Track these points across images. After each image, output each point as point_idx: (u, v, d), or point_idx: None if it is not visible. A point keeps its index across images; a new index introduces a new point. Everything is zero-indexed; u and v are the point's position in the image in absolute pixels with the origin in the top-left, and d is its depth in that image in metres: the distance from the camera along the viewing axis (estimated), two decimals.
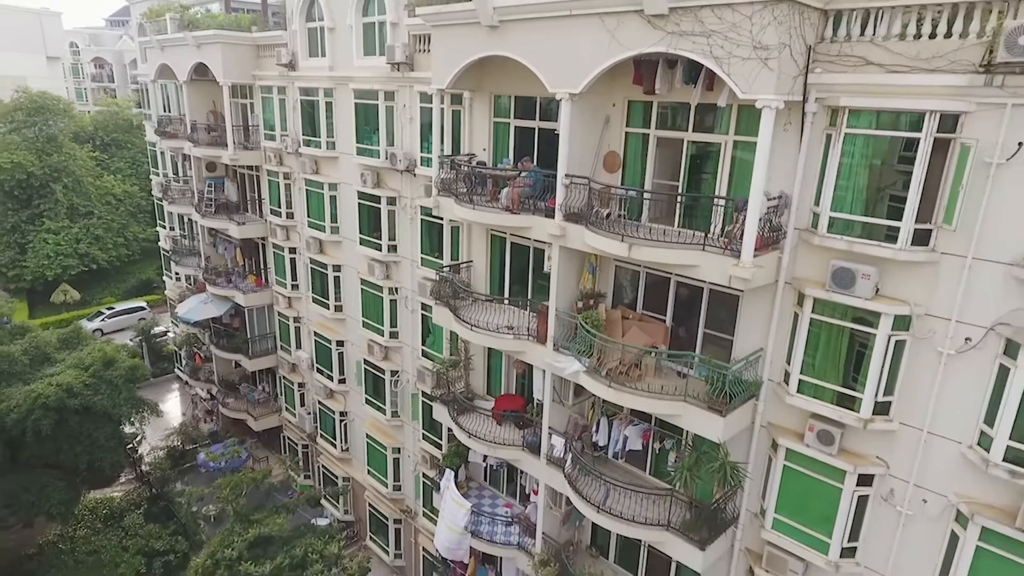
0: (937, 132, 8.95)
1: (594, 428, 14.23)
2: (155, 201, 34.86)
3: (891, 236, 9.48)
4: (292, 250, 23.94)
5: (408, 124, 17.79)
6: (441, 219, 16.85)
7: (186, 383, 32.97)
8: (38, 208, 42.74)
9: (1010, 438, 8.99)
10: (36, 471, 20.70)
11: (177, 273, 32.22)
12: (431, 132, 16.24)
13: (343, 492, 23.54)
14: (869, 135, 9.53)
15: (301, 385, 25.64)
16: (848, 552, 11.11)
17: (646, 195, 12.55)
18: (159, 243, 36.38)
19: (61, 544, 22.43)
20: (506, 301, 15.68)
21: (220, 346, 27.13)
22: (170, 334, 36.64)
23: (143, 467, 26.94)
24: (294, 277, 24.33)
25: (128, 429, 23.96)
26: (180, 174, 29.88)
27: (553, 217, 12.72)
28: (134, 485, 26.75)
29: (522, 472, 16.46)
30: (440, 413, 16.87)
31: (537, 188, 13.44)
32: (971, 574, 9.67)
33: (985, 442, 9.31)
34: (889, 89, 9.30)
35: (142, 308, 43.08)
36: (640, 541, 14.04)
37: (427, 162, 17.25)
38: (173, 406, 33.77)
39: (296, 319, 24.83)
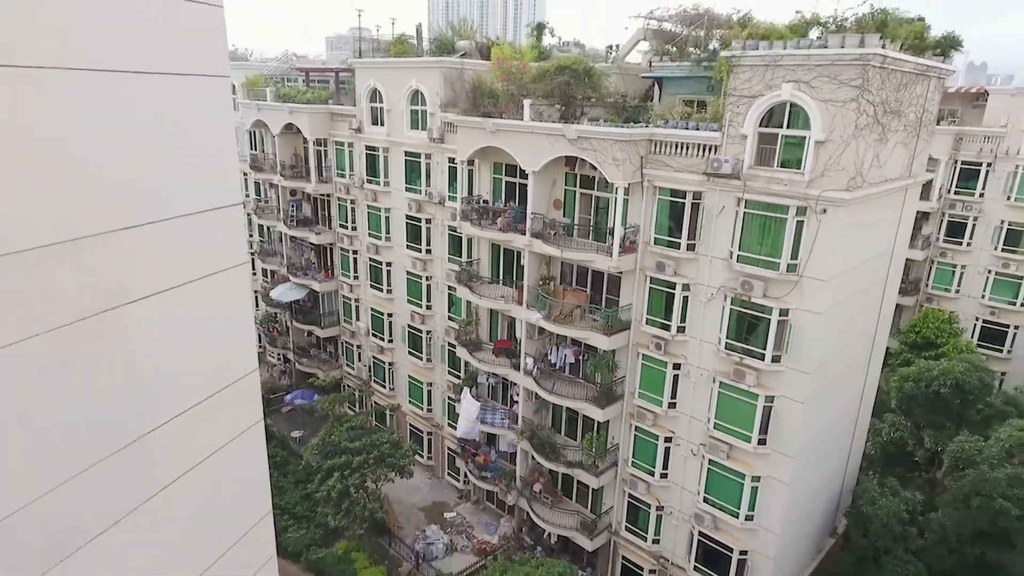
0: (693, 199, 19.80)
1: (549, 352, 25.10)
2: (246, 215, 45.74)
3: (677, 246, 20.34)
4: (354, 252, 34.79)
5: (440, 174, 28.64)
6: (460, 234, 27.62)
7: (263, 350, 43.79)
8: None
9: (727, 338, 19.82)
10: None
11: (264, 268, 42.87)
12: (455, 180, 27.11)
13: (393, 411, 34.32)
14: (667, 199, 20.40)
15: (359, 347, 36.50)
16: (671, 405, 21.95)
17: (573, 224, 23.44)
18: None
19: None
20: (500, 282, 26.53)
21: (299, 320, 38.05)
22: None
23: None
24: (355, 271, 35.18)
25: None
26: (263, 196, 40.74)
27: (525, 234, 23.56)
28: None
29: (509, 386, 27.26)
30: (462, 352, 27.74)
31: (516, 218, 24.30)
32: (719, 403, 20.51)
33: (719, 341, 20.15)
34: (675, 178, 20.14)
35: None
36: (576, 414, 24.86)
37: (452, 198, 28.04)
38: None
39: (356, 300, 35.69)
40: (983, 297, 35.26)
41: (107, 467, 5.84)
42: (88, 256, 4.16)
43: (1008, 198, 33.84)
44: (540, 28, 30.96)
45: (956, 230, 35.99)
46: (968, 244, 35.59)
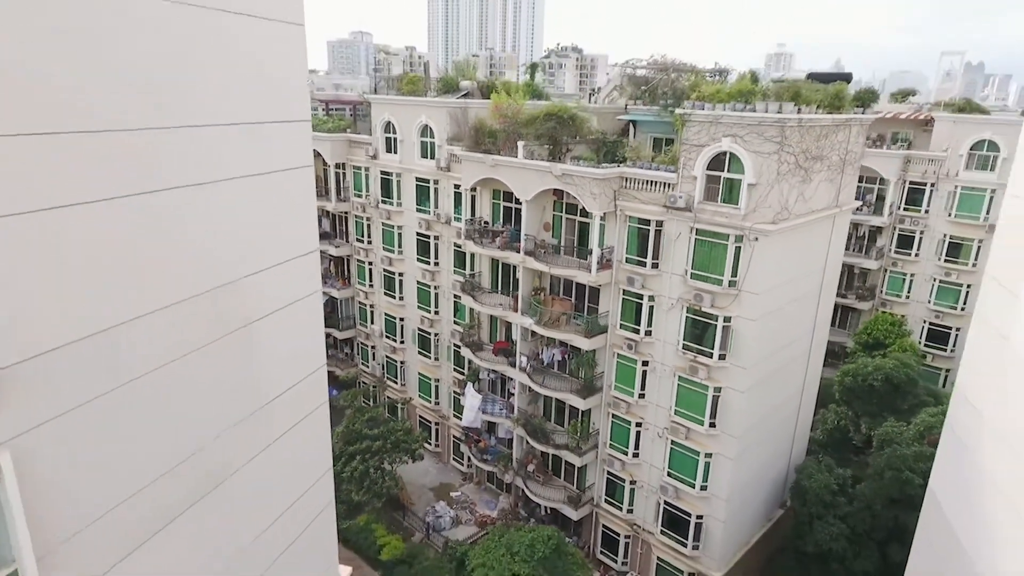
0: (656, 226, 24.21)
1: (540, 352, 29.50)
2: None
3: (644, 264, 24.75)
4: (370, 263, 39.20)
5: (446, 198, 33.02)
6: (464, 250, 31.97)
7: None
8: None
9: (683, 340, 24.22)
10: None
11: None
12: (460, 203, 31.49)
13: (404, 404, 38.74)
14: (636, 225, 24.81)
15: (373, 347, 40.90)
16: (641, 395, 26.36)
17: (560, 244, 27.86)
18: None
19: None
20: (498, 291, 30.92)
21: None
22: None
23: None
24: (370, 280, 39.59)
25: None
26: None
27: (519, 252, 27.96)
28: None
29: (506, 381, 31.63)
30: (465, 352, 32.13)
31: (512, 238, 28.70)
32: (678, 394, 24.91)
33: (678, 342, 24.54)
34: (641, 209, 24.53)
35: None
36: (563, 404, 29.23)
37: (457, 219, 32.39)
38: None
39: (371, 306, 40.09)
40: (929, 302, 39.63)
41: (244, 426, 10.91)
42: (226, 296, 9.01)
43: (949, 214, 38.20)
44: (534, 68, 35.41)
45: (905, 242, 40.35)
46: (916, 255, 39.96)
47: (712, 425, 24.18)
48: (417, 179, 34.25)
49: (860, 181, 40.10)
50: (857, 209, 39.89)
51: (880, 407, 29.94)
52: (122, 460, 7.60)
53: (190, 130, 7.34)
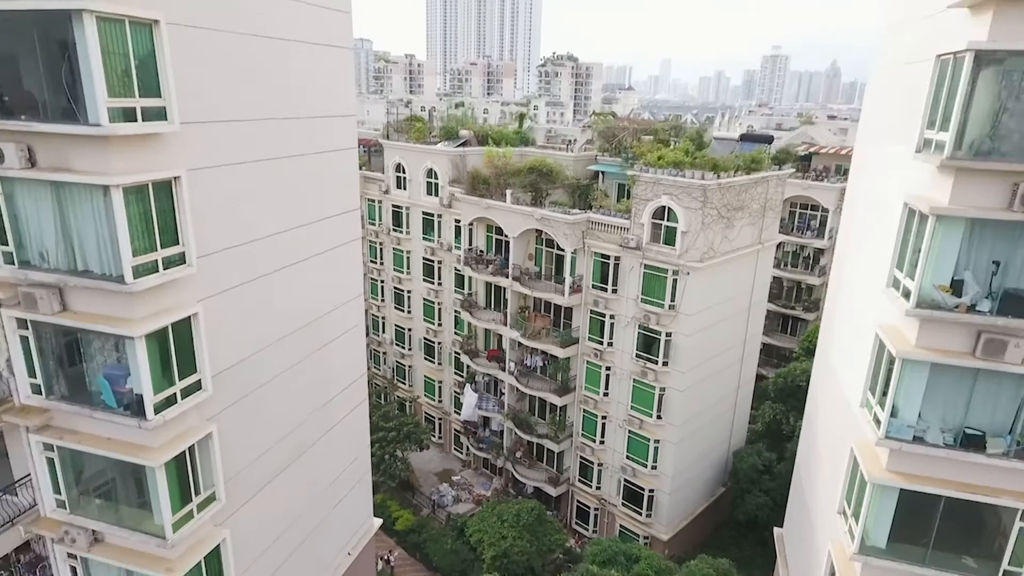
0: (614, 260, 30.65)
1: (526, 359, 35.94)
2: None
3: (605, 289, 31.18)
4: (382, 281, 45.59)
5: (448, 229, 39.43)
6: (463, 273, 38.35)
7: None
8: None
9: (636, 350, 30.64)
10: None
11: None
12: (459, 235, 37.90)
13: (411, 402, 45.16)
14: (599, 259, 31.25)
15: (384, 353, 47.30)
16: (605, 394, 32.80)
17: (541, 271, 34.32)
18: None
19: None
20: (491, 308, 37.35)
21: None
22: None
23: None
24: (382, 295, 45.98)
25: None
26: None
27: (508, 278, 34.38)
28: None
29: (498, 382, 38.04)
30: (464, 358, 38.54)
31: (502, 265, 35.13)
32: (633, 393, 31.33)
33: (632, 352, 30.97)
34: (604, 246, 30.93)
35: None
36: (544, 401, 35.62)
37: (457, 247, 38.79)
38: None
39: (383, 318, 46.48)
40: None
41: (317, 414, 18.57)
42: (317, 327, 16.16)
43: None
44: (522, 117, 41.85)
45: None
46: None
47: (659, 417, 30.62)
48: (423, 213, 40.67)
49: (806, 209, 46.78)
50: (802, 233, 46.61)
51: (804, 404, 36.32)
52: (262, 431, 15.59)
53: (298, 120, 15.40)
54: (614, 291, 31.04)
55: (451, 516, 36.58)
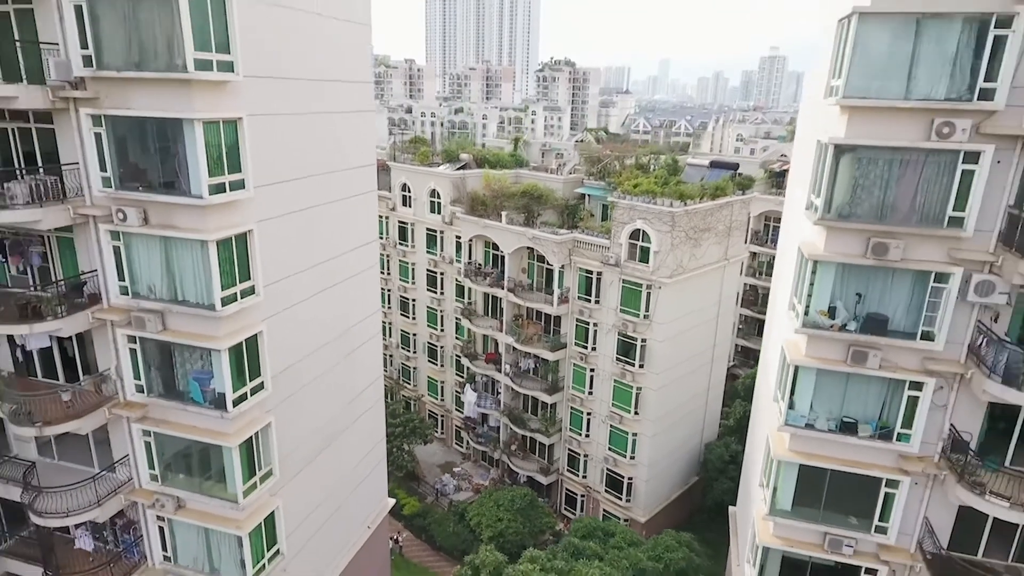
0: (597, 275, 34.76)
1: (519, 361, 40.08)
2: None
3: (589, 300, 35.31)
4: (388, 290, 49.69)
5: (449, 244, 43.55)
6: (463, 284, 42.45)
7: None
8: None
9: (616, 354, 34.77)
10: None
11: None
12: (460, 249, 42.03)
13: (416, 401, 49.28)
14: (584, 273, 35.38)
15: (390, 356, 51.41)
16: (590, 393, 36.93)
17: (533, 284, 38.46)
18: None
19: None
20: (489, 316, 41.49)
21: None
22: None
23: None
24: (388, 303, 50.07)
25: None
26: None
27: (503, 289, 38.51)
28: None
29: (495, 383, 42.16)
30: (464, 360, 42.67)
31: (498, 278, 39.27)
32: (614, 392, 35.46)
33: (613, 356, 35.10)
34: (588, 263, 35.06)
35: None
36: (536, 399, 39.77)
37: (458, 260, 42.90)
38: None
39: (389, 323, 50.59)
40: None
41: (345, 408, 23.29)
42: (347, 337, 20.64)
43: None
44: (517, 141, 45.92)
45: None
46: None
47: (636, 413, 34.76)
48: (427, 229, 44.81)
49: (779, 223, 50.89)
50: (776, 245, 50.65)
51: None
52: (304, 422, 20.53)
53: (335, 174, 19.96)
54: (597, 302, 35.16)
55: (452, 503, 40.71)
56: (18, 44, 15.53)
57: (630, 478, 36.11)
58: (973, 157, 14.07)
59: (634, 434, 35.28)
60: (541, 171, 44.21)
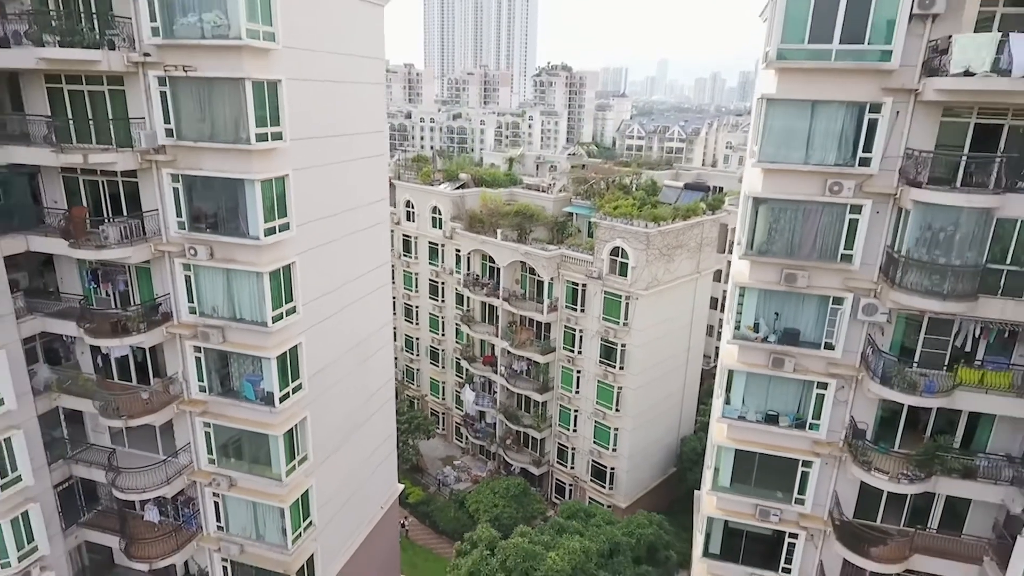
0: (582, 287, 38.95)
1: (514, 363, 44.25)
2: None
3: (575, 309, 39.48)
4: (394, 299, 53.67)
5: (450, 256, 47.68)
6: (462, 294, 46.56)
7: None
8: None
9: (599, 357, 38.93)
10: None
11: None
12: (459, 261, 46.19)
13: (419, 400, 53.43)
14: (571, 285, 39.54)
15: (396, 359, 55.42)
16: (577, 392, 41.12)
17: (525, 293, 42.64)
18: None
19: None
20: (486, 322, 45.63)
21: None
22: None
23: None
24: (394, 310, 54.06)
25: None
26: None
27: (499, 298, 42.65)
28: None
29: (492, 383, 46.30)
30: (463, 362, 46.82)
31: (494, 288, 43.42)
32: (598, 391, 39.64)
33: (597, 359, 39.25)
34: (574, 276, 39.26)
35: None
36: (529, 398, 43.94)
37: (458, 272, 47.03)
38: None
39: (394, 328, 54.55)
40: None
41: (363, 405, 28.04)
42: (364, 346, 25.15)
43: None
44: (511, 161, 50.06)
45: None
46: None
47: (618, 410, 38.94)
48: (429, 242, 48.95)
49: None
50: None
51: None
52: (331, 416, 25.41)
53: (357, 210, 24.00)
54: (582, 311, 39.33)
55: (453, 492, 44.87)
56: (111, 119, 19.67)
57: (612, 468, 40.30)
58: (857, 209, 18.22)
59: (616, 429, 39.46)
60: (533, 190, 48.40)
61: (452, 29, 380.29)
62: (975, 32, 16.61)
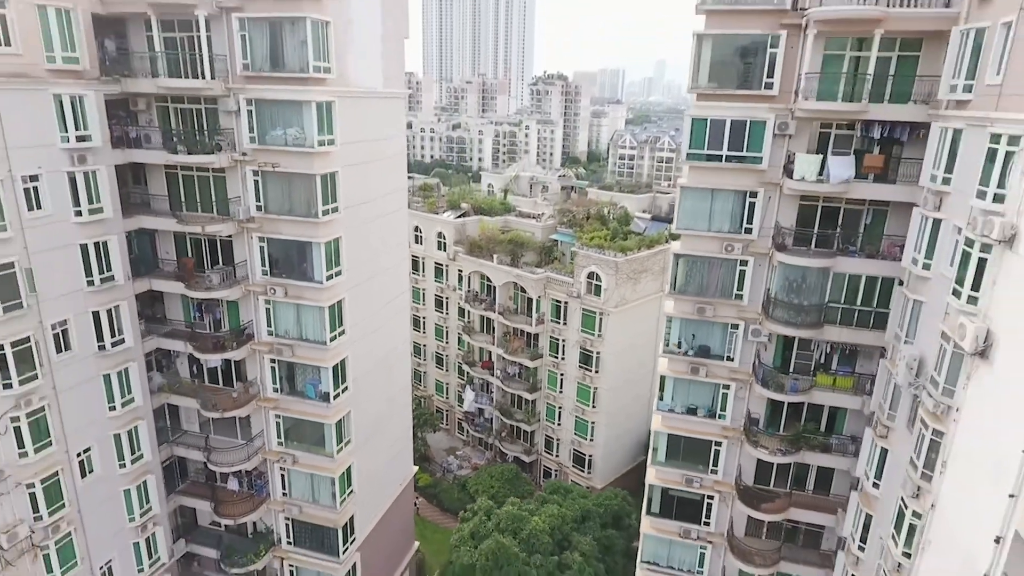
0: (565, 304, 46.72)
1: (508, 367, 51.99)
2: None
3: (558, 322, 47.23)
4: None
5: (453, 275, 55.38)
6: (464, 308, 54.23)
7: None
8: None
9: (579, 363, 46.66)
10: None
11: None
12: (461, 280, 53.90)
13: (426, 397, 61.11)
14: (555, 302, 47.34)
15: None
16: (560, 391, 48.83)
17: (518, 308, 50.40)
18: None
19: None
20: (484, 332, 53.36)
21: None
22: None
23: None
24: None
25: None
26: None
27: (496, 312, 50.36)
28: None
29: (490, 384, 54.00)
30: (465, 367, 54.54)
31: (492, 303, 51.13)
32: (577, 390, 47.39)
33: (577, 363, 46.99)
34: (557, 295, 47.00)
35: None
36: (521, 397, 51.68)
37: (460, 288, 54.70)
38: None
39: None
40: None
41: (388, 402, 36.49)
42: (392, 358, 33.39)
43: None
44: (506, 191, 57.71)
45: None
46: None
47: (594, 407, 46.69)
48: (435, 263, 56.68)
49: None
50: None
51: None
52: (366, 411, 34.32)
53: (386, 196, 31.89)
54: (564, 324, 47.07)
55: (456, 477, 52.62)
56: (214, 199, 27.43)
57: (590, 455, 48.05)
58: (745, 263, 25.94)
59: (592, 422, 47.21)
60: (525, 217, 56.14)
61: (450, 33, 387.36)
62: (817, 146, 24.43)
